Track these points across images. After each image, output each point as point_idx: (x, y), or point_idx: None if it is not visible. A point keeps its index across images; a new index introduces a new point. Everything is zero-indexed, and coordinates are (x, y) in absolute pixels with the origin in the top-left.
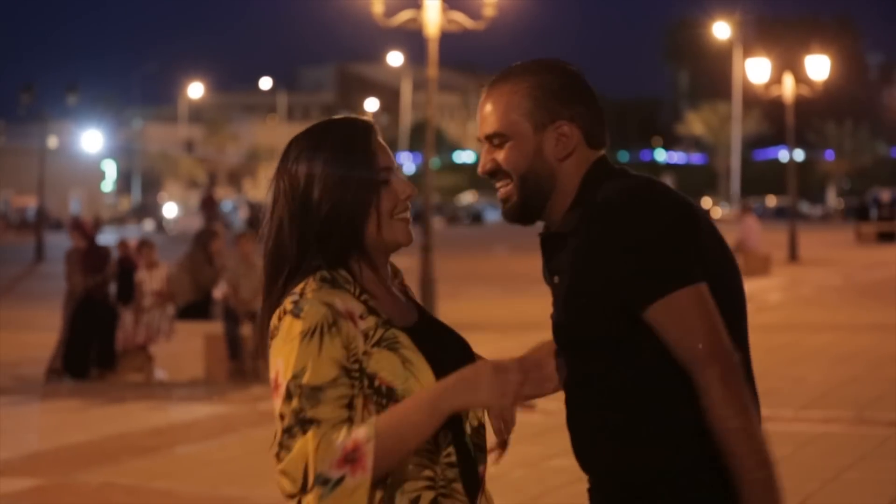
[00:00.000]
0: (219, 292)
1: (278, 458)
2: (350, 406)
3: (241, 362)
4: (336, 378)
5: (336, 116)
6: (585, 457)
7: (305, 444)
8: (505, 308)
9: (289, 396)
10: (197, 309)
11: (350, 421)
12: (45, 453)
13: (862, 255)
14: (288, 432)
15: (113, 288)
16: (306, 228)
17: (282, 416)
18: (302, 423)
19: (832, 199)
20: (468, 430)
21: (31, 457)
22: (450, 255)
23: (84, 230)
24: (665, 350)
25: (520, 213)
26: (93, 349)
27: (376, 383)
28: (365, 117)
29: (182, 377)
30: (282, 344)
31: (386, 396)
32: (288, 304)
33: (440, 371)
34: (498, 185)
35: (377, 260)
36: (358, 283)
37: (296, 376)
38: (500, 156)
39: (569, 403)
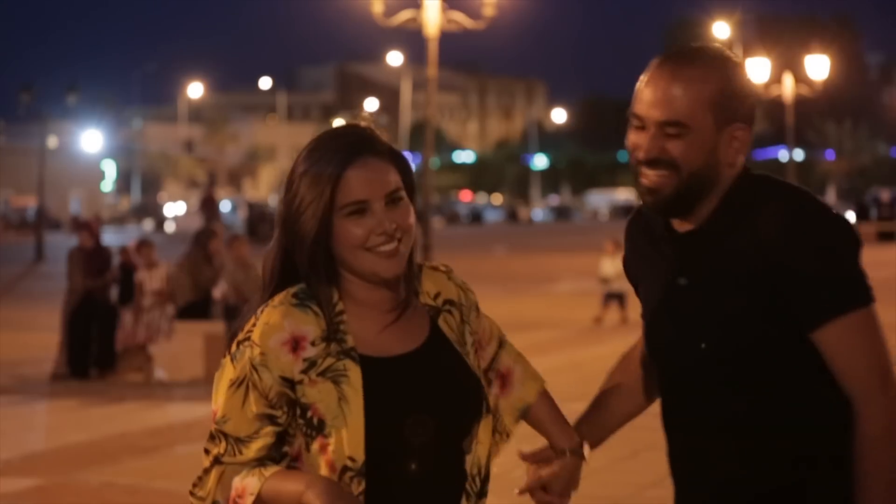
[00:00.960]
0: (218, 292)
1: (192, 493)
2: (274, 446)
3: None
4: (258, 430)
5: (339, 126)
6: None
7: (212, 478)
8: (504, 308)
9: (216, 439)
10: (197, 308)
11: (269, 460)
12: (45, 453)
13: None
14: (206, 471)
15: (114, 289)
16: (285, 243)
17: (206, 451)
18: (218, 463)
19: (832, 198)
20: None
21: (31, 456)
22: (449, 255)
23: (92, 229)
24: (823, 381)
25: (670, 206)
26: (92, 349)
27: (309, 414)
28: (364, 129)
29: (182, 377)
30: (216, 384)
31: (316, 429)
32: (234, 344)
33: (382, 415)
34: (651, 172)
35: (372, 282)
36: (333, 304)
37: (222, 422)
38: (674, 146)
39: (691, 454)
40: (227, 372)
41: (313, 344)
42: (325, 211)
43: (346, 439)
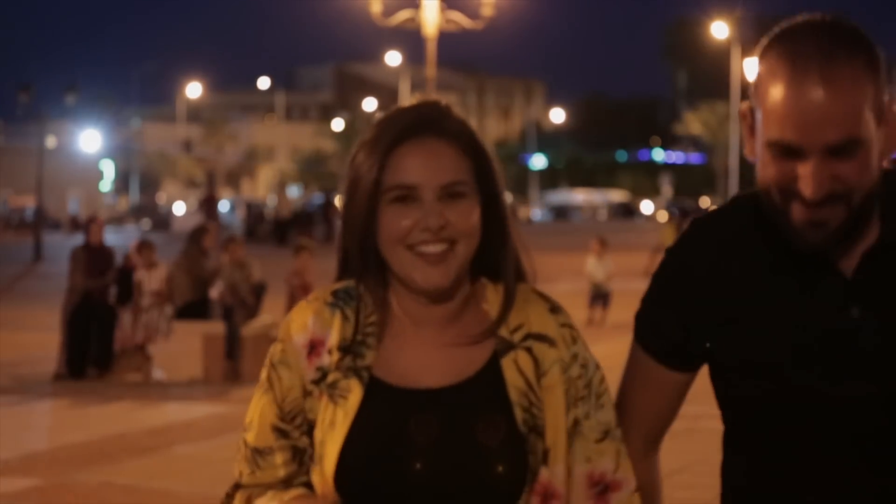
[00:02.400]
0: (215, 292)
1: None
2: (292, 463)
3: (237, 362)
4: (272, 446)
5: (405, 105)
6: None
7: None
8: None
9: (239, 452)
10: (195, 308)
11: (287, 481)
12: (43, 453)
13: None
14: (228, 496)
15: (113, 289)
16: (343, 233)
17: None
18: (237, 486)
19: None
20: None
21: (29, 457)
22: None
23: (101, 227)
24: None
25: (836, 238)
26: (91, 349)
27: (313, 433)
28: (435, 104)
29: (180, 377)
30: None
31: (312, 448)
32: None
33: (359, 458)
34: (819, 210)
35: (418, 296)
36: (369, 311)
37: (246, 430)
38: (847, 170)
39: None
40: (262, 373)
41: (330, 352)
42: (371, 192)
43: (318, 479)
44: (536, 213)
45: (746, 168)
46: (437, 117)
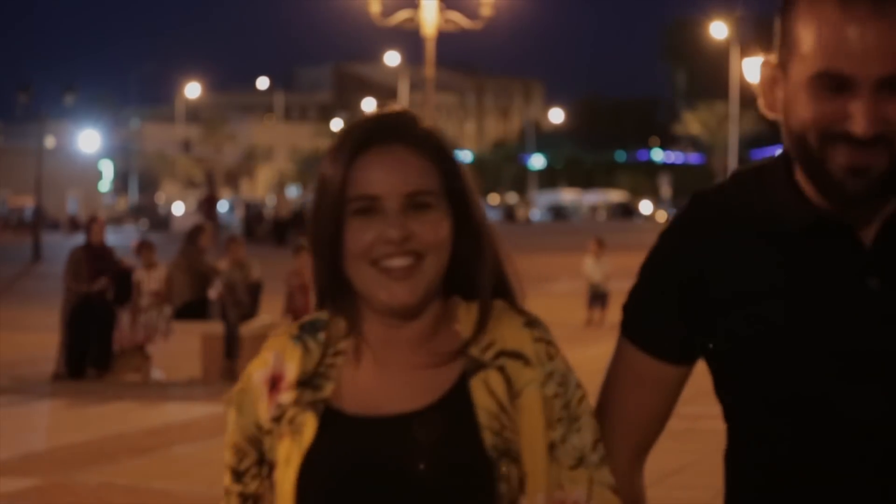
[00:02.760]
0: (213, 293)
1: None
2: None
3: (235, 362)
4: (228, 487)
5: (371, 113)
6: None
7: None
8: None
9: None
10: (194, 308)
11: None
12: (42, 453)
13: None
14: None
15: (110, 290)
16: (312, 252)
17: None
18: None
19: None
20: None
21: (28, 457)
22: None
23: (102, 227)
24: None
25: (877, 189)
26: (90, 349)
27: (275, 473)
28: (401, 113)
29: (179, 377)
30: None
31: (273, 492)
32: None
33: (316, 490)
34: (863, 149)
35: (385, 317)
36: (337, 339)
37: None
38: None
39: None
40: None
41: (291, 387)
42: (335, 205)
43: None
44: (535, 213)
45: None
46: (401, 124)
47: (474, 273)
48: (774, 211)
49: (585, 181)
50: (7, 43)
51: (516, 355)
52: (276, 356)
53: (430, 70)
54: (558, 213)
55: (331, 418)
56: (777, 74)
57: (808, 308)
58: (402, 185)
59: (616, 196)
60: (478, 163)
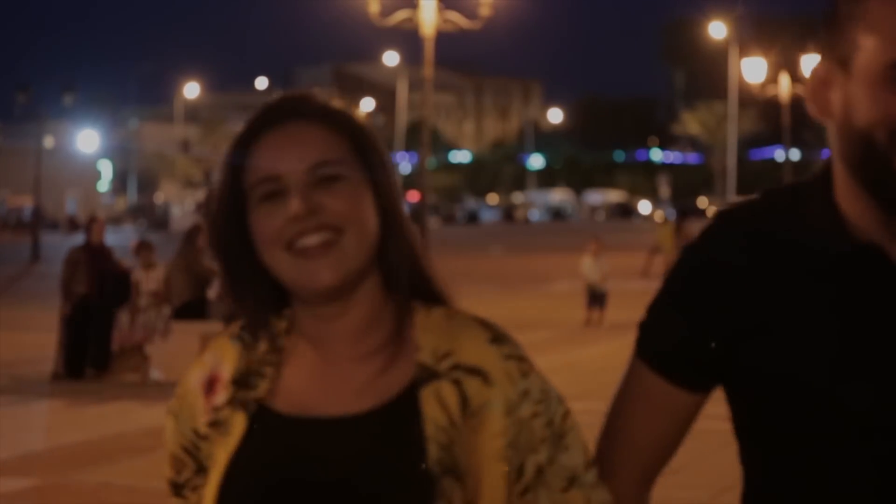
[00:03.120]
0: (213, 293)
1: None
2: None
3: None
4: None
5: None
6: None
7: None
8: (500, 308)
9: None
10: (193, 308)
11: None
12: (41, 453)
13: None
14: None
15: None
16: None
17: None
18: None
19: None
20: None
21: (27, 457)
22: (445, 255)
23: (102, 227)
24: None
25: None
26: (89, 349)
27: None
28: (296, 93)
29: (178, 377)
30: None
31: None
32: None
33: (239, 495)
34: None
35: (315, 307)
36: (273, 336)
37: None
38: None
39: None
40: None
41: (226, 387)
42: (235, 198)
43: None
44: (534, 213)
45: (743, 168)
46: (301, 102)
47: (391, 257)
48: (810, 235)
49: (584, 181)
50: (6, 43)
51: (475, 371)
52: (215, 357)
53: (428, 70)
54: (546, 213)
55: (262, 418)
56: (832, 74)
57: (841, 340)
58: (302, 159)
59: (613, 196)
60: (476, 163)
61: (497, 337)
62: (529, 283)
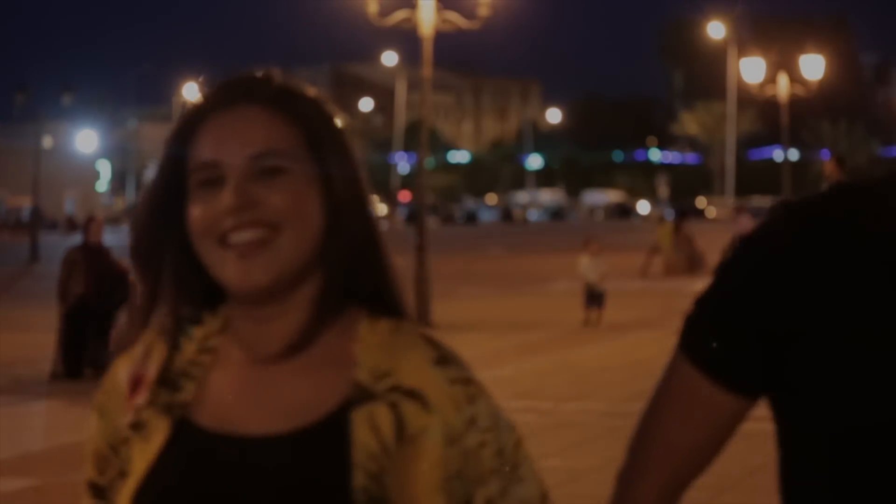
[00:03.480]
0: None
1: None
2: None
3: None
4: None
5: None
6: None
7: None
8: (499, 308)
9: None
10: None
11: None
12: (39, 453)
13: None
14: None
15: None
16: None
17: None
18: None
19: None
20: None
21: (25, 457)
22: (444, 255)
23: (100, 226)
24: None
25: None
26: (87, 349)
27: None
28: (249, 74)
29: None
30: None
31: None
32: None
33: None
34: None
35: (250, 307)
36: (207, 335)
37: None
38: None
39: None
40: None
41: (149, 387)
42: (174, 182)
43: None
44: (533, 213)
45: (742, 168)
46: (250, 83)
47: (332, 262)
48: (885, 234)
49: (583, 181)
50: (4, 43)
51: (414, 395)
52: (144, 351)
53: (427, 70)
54: (555, 213)
55: (183, 429)
56: None
57: None
58: (245, 147)
59: (612, 196)
60: (475, 163)
61: (443, 358)
62: (528, 283)
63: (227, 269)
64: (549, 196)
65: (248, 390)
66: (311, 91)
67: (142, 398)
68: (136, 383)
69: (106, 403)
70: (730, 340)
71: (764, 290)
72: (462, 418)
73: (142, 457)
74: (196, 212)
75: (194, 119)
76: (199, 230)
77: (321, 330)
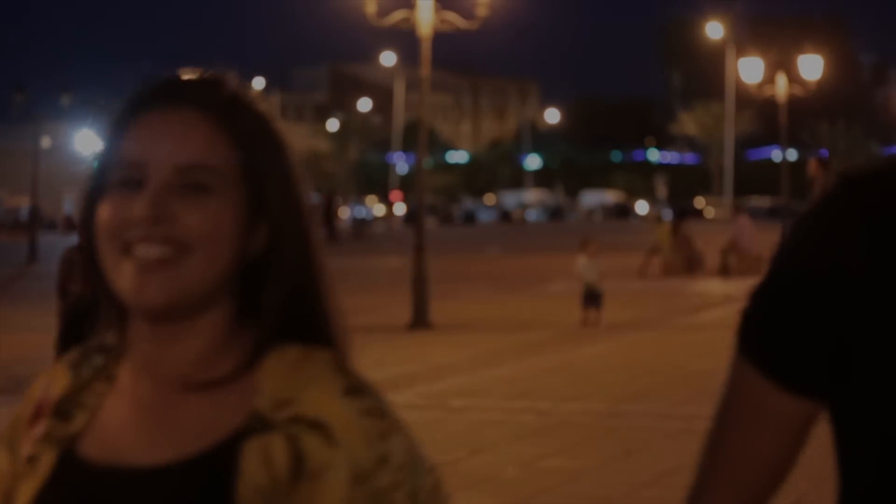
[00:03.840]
0: None
1: None
2: None
3: None
4: None
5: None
6: None
7: None
8: (497, 308)
9: None
10: None
11: None
12: None
13: None
14: None
15: None
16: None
17: None
18: None
19: None
20: None
21: None
22: (442, 256)
23: None
24: None
25: None
26: None
27: None
28: (191, 75)
29: None
30: None
31: None
32: None
33: None
34: None
35: (144, 324)
36: (111, 360)
37: None
38: None
39: None
40: None
41: (46, 418)
42: (98, 181)
43: None
44: (531, 213)
45: (741, 168)
46: (195, 85)
47: (261, 286)
48: None
49: (581, 181)
50: (2, 43)
51: (317, 426)
52: (49, 379)
53: (425, 70)
54: (554, 213)
55: (68, 461)
56: None
57: None
58: (175, 154)
59: (610, 196)
60: (473, 163)
61: (354, 388)
62: (526, 284)
63: (124, 279)
64: (536, 196)
65: (142, 418)
66: (263, 106)
67: (40, 429)
68: (38, 412)
69: (11, 436)
70: (789, 335)
71: (827, 276)
72: (372, 455)
73: (26, 491)
74: (106, 212)
75: (134, 109)
76: (104, 232)
77: (228, 357)
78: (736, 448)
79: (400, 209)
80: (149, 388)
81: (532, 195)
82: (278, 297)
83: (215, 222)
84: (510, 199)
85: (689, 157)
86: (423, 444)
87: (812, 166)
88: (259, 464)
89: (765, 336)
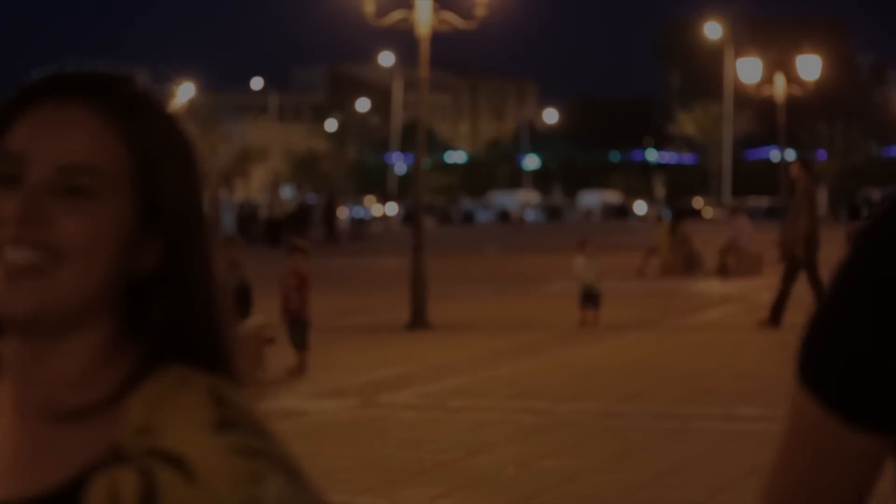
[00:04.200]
0: None
1: None
2: None
3: None
4: None
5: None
6: None
7: None
8: (496, 308)
9: None
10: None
11: None
12: None
13: None
14: None
15: None
16: None
17: None
18: None
19: (823, 199)
20: None
21: None
22: (441, 256)
23: None
24: None
25: None
26: None
27: None
28: (88, 69)
29: None
30: None
31: None
32: None
33: None
34: None
35: (20, 341)
36: None
37: None
38: None
39: None
40: None
41: None
42: None
43: None
44: (530, 213)
45: (739, 168)
46: (92, 79)
47: (152, 308)
48: None
49: (580, 181)
50: (2, 43)
51: (175, 462)
52: None
53: (424, 70)
54: (552, 213)
55: None
56: None
57: None
58: (59, 152)
59: (609, 196)
60: (472, 163)
61: (227, 421)
62: (524, 284)
63: None
64: (524, 197)
65: (5, 443)
66: (169, 109)
67: None
68: None
69: None
70: (856, 363)
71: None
72: (238, 499)
73: None
74: None
75: (23, 101)
76: None
77: (103, 379)
78: (799, 487)
79: (392, 209)
80: (19, 409)
81: (523, 196)
82: (165, 317)
83: (94, 230)
84: (503, 199)
85: (687, 158)
86: (321, 489)
87: (794, 168)
88: (103, 501)
89: (827, 366)
